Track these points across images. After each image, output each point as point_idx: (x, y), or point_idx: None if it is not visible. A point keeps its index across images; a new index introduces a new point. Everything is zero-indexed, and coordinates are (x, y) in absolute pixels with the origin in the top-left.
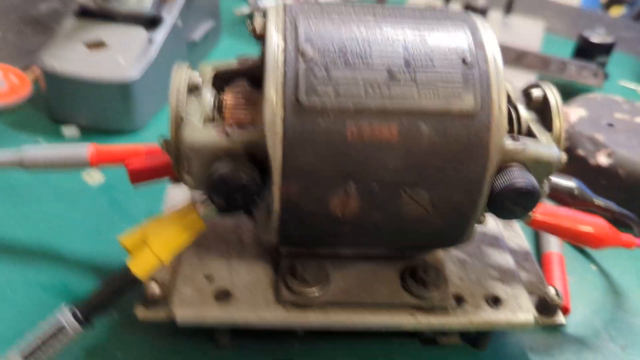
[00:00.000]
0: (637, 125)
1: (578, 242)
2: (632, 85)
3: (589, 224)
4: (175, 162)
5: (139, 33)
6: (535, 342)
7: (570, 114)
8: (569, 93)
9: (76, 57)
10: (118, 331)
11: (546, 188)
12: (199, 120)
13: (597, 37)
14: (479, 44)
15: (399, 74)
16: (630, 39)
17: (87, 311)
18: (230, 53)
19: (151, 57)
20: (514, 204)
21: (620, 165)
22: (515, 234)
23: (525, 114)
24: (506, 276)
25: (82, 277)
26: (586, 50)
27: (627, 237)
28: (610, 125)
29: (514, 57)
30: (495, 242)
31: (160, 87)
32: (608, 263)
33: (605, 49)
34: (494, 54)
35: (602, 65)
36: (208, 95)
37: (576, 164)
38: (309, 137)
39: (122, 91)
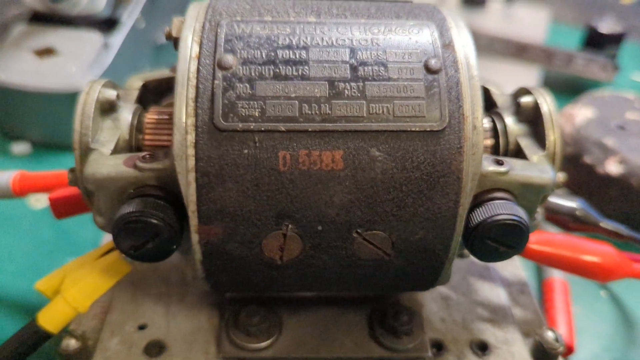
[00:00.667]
0: None
1: (582, 275)
2: None
3: (594, 252)
4: (85, 197)
5: (93, 37)
6: None
7: (575, 116)
8: (576, 88)
9: (24, 65)
10: None
11: (539, 217)
12: (110, 147)
13: (606, 26)
14: (447, 44)
15: (344, 87)
16: None
17: None
18: None
19: (106, 63)
20: (497, 242)
21: (633, 174)
22: (511, 260)
23: (513, 126)
24: (497, 315)
25: (14, 320)
26: (594, 41)
27: None
28: (621, 127)
29: (515, 51)
30: (486, 272)
31: None
32: (620, 288)
33: (615, 40)
34: (467, 56)
35: (612, 56)
36: (128, 115)
37: (582, 174)
38: (230, 169)
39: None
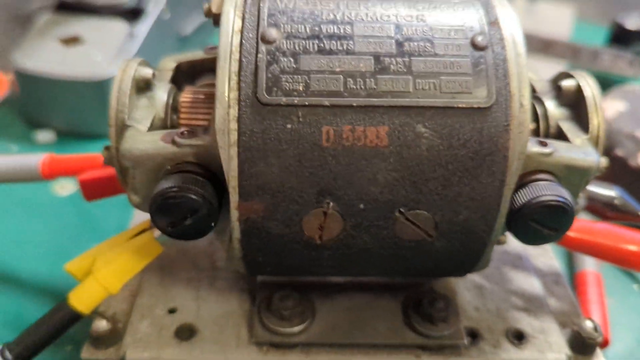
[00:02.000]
0: None
1: (621, 264)
2: None
3: (633, 241)
4: (120, 176)
5: (119, 27)
6: None
7: (606, 109)
8: (603, 85)
9: (50, 54)
10: None
11: (582, 202)
12: (146, 125)
13: (632, 22)
14: (493, 22)
15: (389, 62)
16: None
17: (19, 352)
18: None
19: (132, 52)
20: (541, 225)
21: None
22: (544, 251)
23: (554, 110)
24: (532, 305)
25: (39, 304)
26: (621, 38)
27: None
28: None
29: (541, 47)
30: (519, 262)
31: None
32: None
33: None
34: (512, 34)
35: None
36: (163, 94)
37: (614, 166)
38: (273, 144)
39: (99, 90)
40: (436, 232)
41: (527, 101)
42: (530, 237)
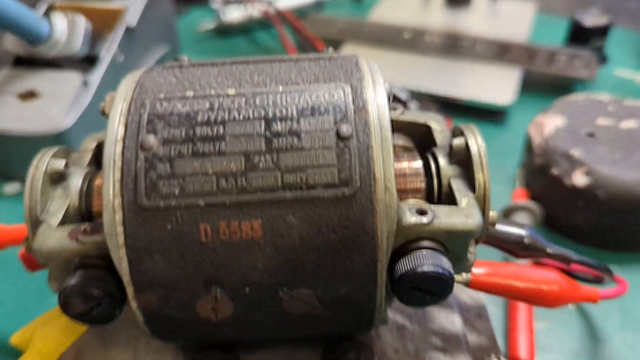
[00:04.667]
0: (621, 133)
1: (530, 302)
2: (628, 74)
3: (540, 280)
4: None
5: (72, 77)
6: None
7: (545, 125)
8: (558, 88)
9: (7, 110)
10: None
11: (472, 258)
12: (59, 217)
13: (590, 19)
14: (360, 108)
15: (259, 160)
16: (635, 10)
17: None
18: None
19: (86, 101)
20: (422, 291)
21: (599, 186)
22: None
23: (446, 168)
24: (450, 344)
25: None
26: (579, 36)
27: (588, 289)
28: (591, 135)
29: (497, 52)
30: None
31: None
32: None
33: (601, 32)
34: (379, 117)
35: (599, 49)
36: (78, 181)
37: (551, 185)
38: (156, 244)
39: (56, 143)
40: (321, 305)
41: (392, 183)
42: (413, 302)
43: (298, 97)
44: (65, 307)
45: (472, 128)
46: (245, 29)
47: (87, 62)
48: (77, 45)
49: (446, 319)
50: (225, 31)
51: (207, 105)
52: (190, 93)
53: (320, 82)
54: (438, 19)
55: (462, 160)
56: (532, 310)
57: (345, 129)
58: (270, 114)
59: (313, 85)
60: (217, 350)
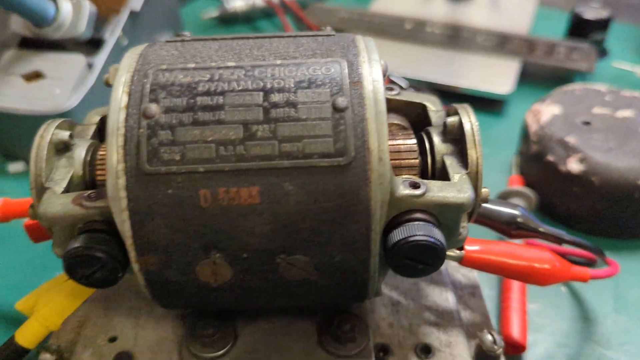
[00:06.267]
0: (617, 121)
1: (522, 280)
2: (627, 66)
3: (532, 259)
4: (48, 231)
5: (77, 59)
6: None
7: (542, 113)
8: (557, 79)
9: (13, 90)
10: None
11: (465, 232)
12: (63, 185)
13: (591, 12)
14: (356, 82)
15: (257, 129)
16: (635, 5)
17: None
18: None
19: (90, 83)
20: (414, 261)
21: (594, 172)
22: None
23: (440, 145)
24: (443, 319)
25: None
26: (580, 28)
27: (579, 269)
28: (587, 123)
29: (497, 43)
30: (438, 277)
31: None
32: (580, 283)
33: (601, 25)
34: (374, 91)
35: (599, 42)
36: (82, 151)
37: (547, 171)
38: (158, 208)
39: None
40: (317, 272)
41: (385, 155)
42: (406, 272)
43: (296, 70)
44: (69, 269)
45: (466, 107)
46: (248, 17)
47: (92, 45)
48: (82, 28)
49: (440, 296)
50: (228, 20)
51: (208, 76)
52: (191, 65)
53: (317, 57)
54: (439, 10)
55: (456, 138)
56: (525, 292)
57: (341, 101)
58: (269, 86)
59: (311, 60)
60: (215, 320)
